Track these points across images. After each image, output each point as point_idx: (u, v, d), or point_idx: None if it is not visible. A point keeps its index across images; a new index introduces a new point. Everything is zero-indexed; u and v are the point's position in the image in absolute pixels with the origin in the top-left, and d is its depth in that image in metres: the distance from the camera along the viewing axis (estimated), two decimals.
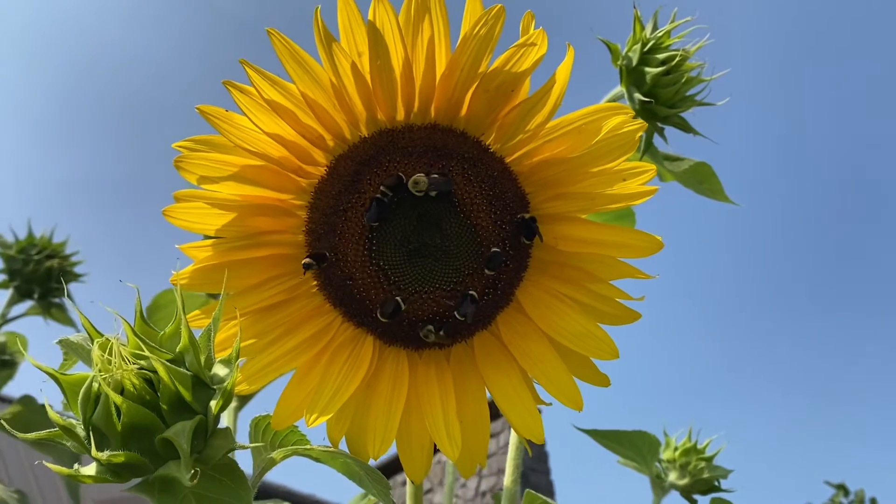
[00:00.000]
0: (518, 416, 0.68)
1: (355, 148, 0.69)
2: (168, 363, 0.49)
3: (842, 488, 7.82)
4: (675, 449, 1.33)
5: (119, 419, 0.47)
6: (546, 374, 0.69)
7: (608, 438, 1.32)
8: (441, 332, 0.68)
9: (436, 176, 0.68)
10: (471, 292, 0.68)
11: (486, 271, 0.69)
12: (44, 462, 0.49)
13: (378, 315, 0.68)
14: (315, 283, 0.70)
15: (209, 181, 0.66)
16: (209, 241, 0.68)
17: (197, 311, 0.66)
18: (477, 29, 0.65)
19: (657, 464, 1.33)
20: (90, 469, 0.48)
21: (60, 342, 0.61)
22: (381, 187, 0.66)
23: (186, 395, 0.49)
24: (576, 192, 0.69)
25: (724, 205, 1.17)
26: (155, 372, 0.49)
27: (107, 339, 0.48)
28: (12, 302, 1.78)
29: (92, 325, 0.50)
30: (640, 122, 0.68)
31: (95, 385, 0.48)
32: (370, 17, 0.65)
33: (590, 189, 0.69)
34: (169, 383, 0.48)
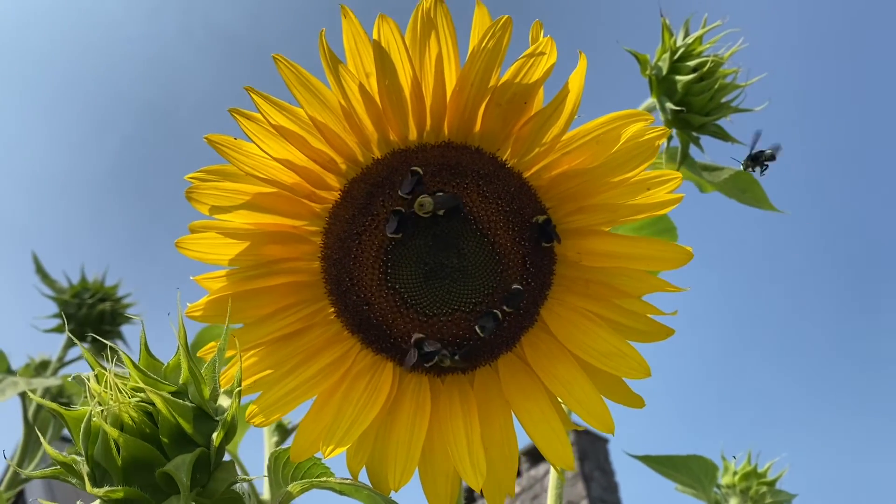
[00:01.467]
0: (547, 443, 0.64)
1: (368, 170, 0.68)
2: (168, 395, 0.47)
3: None
4: (735, 473, 1.26)
5: (119, 454, 0.46)
6: (575, 396, 0.65)
7: (663, 464, 1.27)
8: (456, 357, 0.65)
9: (441, 194, 0.66)
10: (494, 311, 0.65)
11: (505, 307, 0.67)
12: (39, 501, 0.48)
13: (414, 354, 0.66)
14: (332, 309, 0.69)
15: (221, 210, 0.66)
16: (223, 272, 0.67)
17: (212, 343, 0.65)
18: (485, 42, 0.63)
19: (716, 489, 1.27)
20: None
21: (75, 378, 0.61)
22: (400, 192, 0.65)
23: (187, 427, 0.48)
24: (597, 203, 0.67)
25: (782, 220, 1.13)
26: (154, 405, 0.47)
27: (103, 371, 0.47)
28: (68, 346, 1.81)
29: (93, 357, 0.49)
30: (661, 129, 0.65)
31: (95, 419, 0.47)
32: (375, 36, 0.63)
33: (612, 200, 0.66)
34: (168, 416, 0.47)
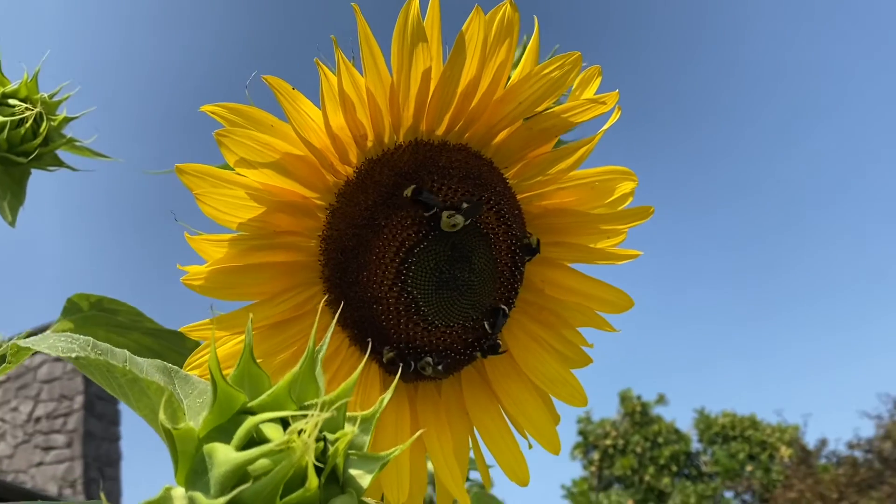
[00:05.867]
0: (505, 461, 0.68)
1: (390, 155, 0.62)
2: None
3: None
4: None
5: (280, 497, 0.39)
6: (526, 415, 0.70)
7: None
8: (439, 367, 0.65)
9: (466, 206, 0.64)
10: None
11: (485, 325, 0.67)
12: None
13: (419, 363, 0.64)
14: (325, 297, 0.62)
15: (247, 165, 0.54)
16: (226, 237, 0.55)
17: (205, 322, 0.54)
18: (550, 70, 0.63)
19: None
20: None
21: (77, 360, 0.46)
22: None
23: (340, 469, 0.42)
24: (576, 243, 0.71)
25: None
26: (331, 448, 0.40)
27: (305, 417, 0.39)
28: None
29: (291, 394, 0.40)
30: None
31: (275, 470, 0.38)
32: (464, 28, 0.59)
33: (590, 243, 0.71)
34: (332, 460, 0.40)
